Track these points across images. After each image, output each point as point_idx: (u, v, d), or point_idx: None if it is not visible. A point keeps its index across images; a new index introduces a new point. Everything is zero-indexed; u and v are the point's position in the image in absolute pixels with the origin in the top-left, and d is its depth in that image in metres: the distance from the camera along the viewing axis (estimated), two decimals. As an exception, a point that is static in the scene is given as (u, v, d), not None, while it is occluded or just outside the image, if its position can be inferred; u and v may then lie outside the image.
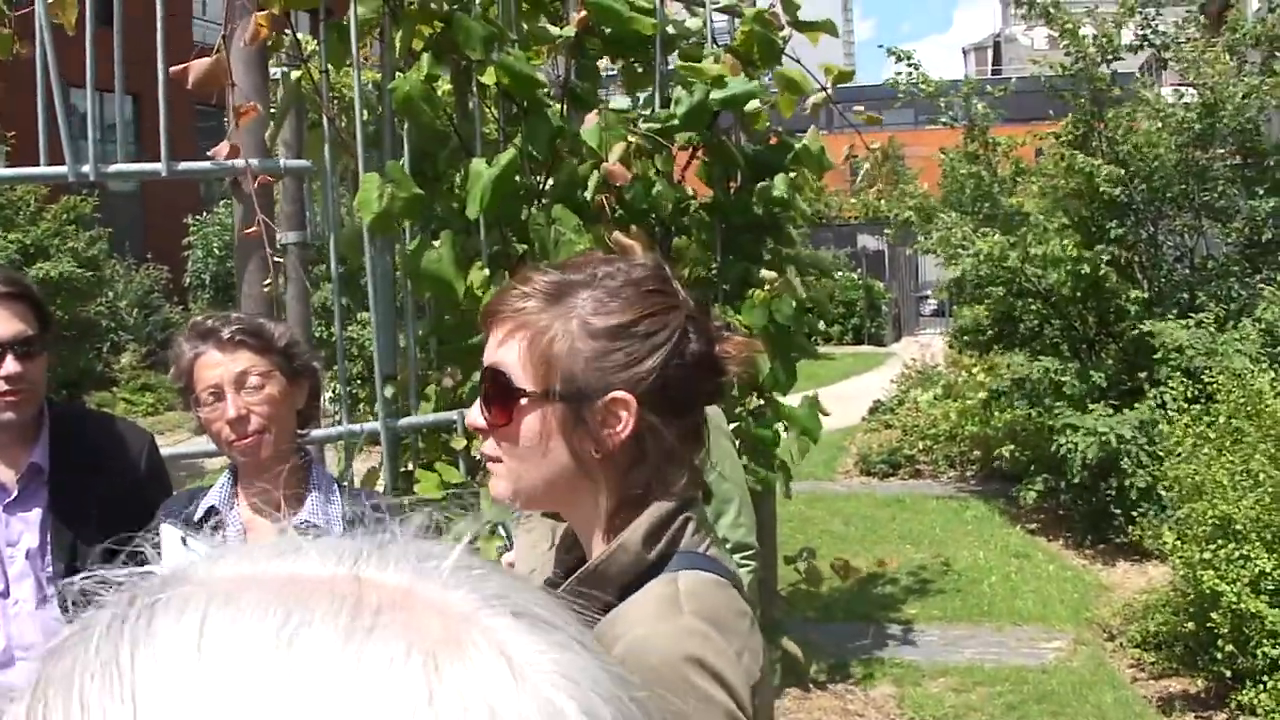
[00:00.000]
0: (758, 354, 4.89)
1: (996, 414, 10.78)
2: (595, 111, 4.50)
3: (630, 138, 4.46)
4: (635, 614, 1.44)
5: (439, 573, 0.52)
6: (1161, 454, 7.32)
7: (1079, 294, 9.85)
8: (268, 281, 4.04)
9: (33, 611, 2.74)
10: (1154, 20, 10.44)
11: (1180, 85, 10.93)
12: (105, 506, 2.70)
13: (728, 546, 3.47)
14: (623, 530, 1.50)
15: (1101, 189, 9.48)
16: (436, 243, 4.08)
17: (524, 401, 1.49)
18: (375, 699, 0.44)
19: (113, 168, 4.06)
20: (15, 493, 2.77)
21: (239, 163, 3.89)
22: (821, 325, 25.17)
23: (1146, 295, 9.82)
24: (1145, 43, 10.46)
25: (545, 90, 4.54)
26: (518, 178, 4.17)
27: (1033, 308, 10.55)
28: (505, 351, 1.50)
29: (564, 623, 0.51)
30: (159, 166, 3.97)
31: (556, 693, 0.47)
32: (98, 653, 0.48)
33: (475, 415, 1.54)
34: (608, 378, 1.47)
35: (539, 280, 1.51)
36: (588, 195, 4.39)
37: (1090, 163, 9.50)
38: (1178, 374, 8.05)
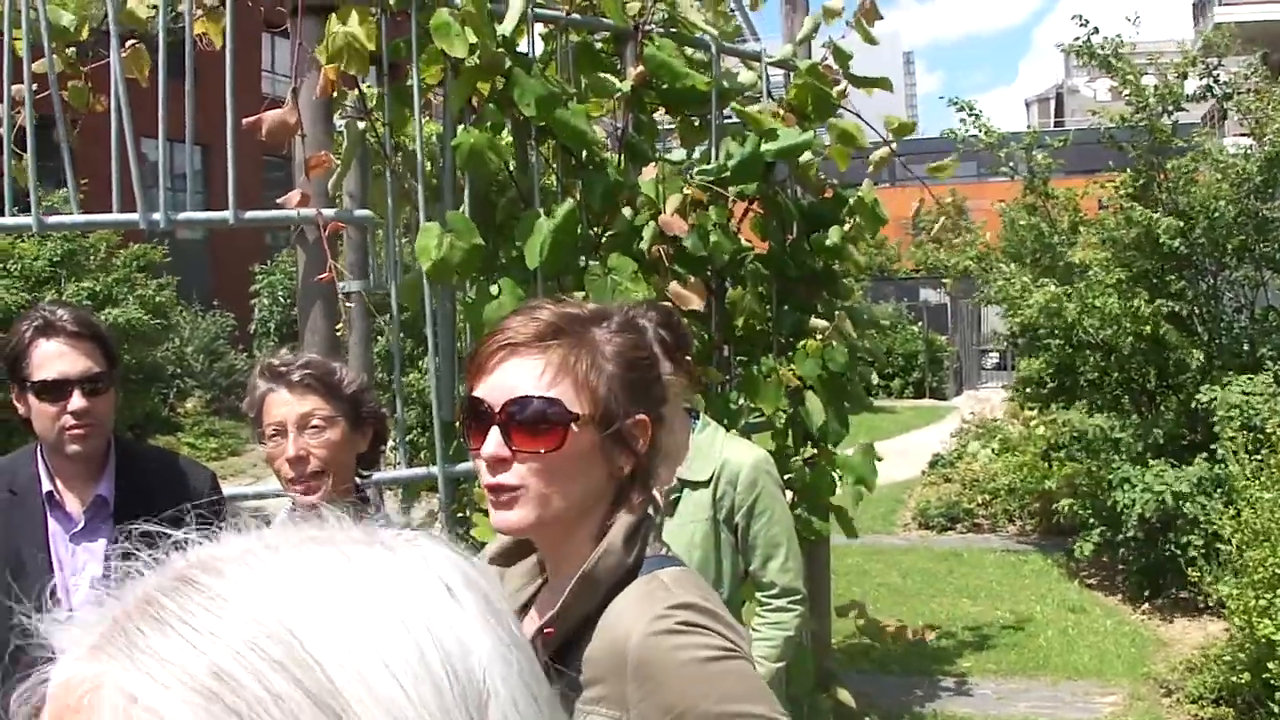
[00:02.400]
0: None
1: (1055, 468, 10.69)
2: (653, 164, 4.58)
3: (686, 189, 4.53)
4: (629, 609, 1.61)
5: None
6: (1220, 508, 7.24)
7: (1139, 348, 9.78)
8: (340, 326, 4.15)
9: None
10: (1215, 70, 10.39)
11: (1240, 136, 10.85)
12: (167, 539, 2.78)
13: (775, 591, 3.53)
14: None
15: (1161, 241, 9.42)
16: (495, 289, 4.16)
17: (575, 427, 1.61)
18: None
19: (182, 216, 4.17)
20: (81, 523, 2.88)
21: (306, 212, 3.99)
22: (877, 379, 24.99)
23: (1206, 351, 9.74)
24: (1208, 93, 10.41)
25: (599, 144, 4.62)
26: (577, 229, 4.25)
27: (1091, 360, 10.47)
28: (548, 381, 1.61)
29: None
30: (227, 215, 4.09)
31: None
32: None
33: (497, 447, 1.61)
34: (632, 401, 1.66)
35: (553, 315, 1.65)
36: (644, 245, 4.46)
37: (1148, 215, 9.46)
38: (1238, 426, 7.95)
